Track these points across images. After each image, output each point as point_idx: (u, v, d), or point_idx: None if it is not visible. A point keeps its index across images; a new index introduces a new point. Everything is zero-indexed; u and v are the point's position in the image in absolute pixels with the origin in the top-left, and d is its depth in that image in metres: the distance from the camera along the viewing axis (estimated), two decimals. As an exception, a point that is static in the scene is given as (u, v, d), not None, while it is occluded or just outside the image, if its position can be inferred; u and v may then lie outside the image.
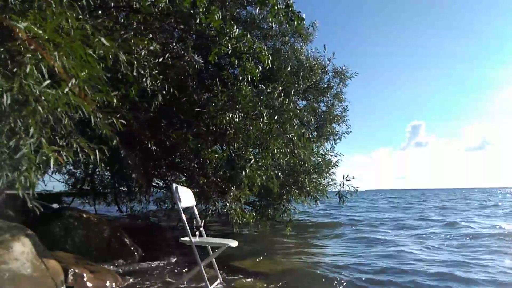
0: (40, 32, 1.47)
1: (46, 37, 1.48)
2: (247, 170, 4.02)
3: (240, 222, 4.31)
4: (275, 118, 4.12)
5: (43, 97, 1.46)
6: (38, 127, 1.47)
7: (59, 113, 1.56)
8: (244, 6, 5.37)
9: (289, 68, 5.04)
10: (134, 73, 2.48)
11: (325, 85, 6.51)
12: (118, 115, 1.92)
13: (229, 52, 3.23)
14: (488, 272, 3.90)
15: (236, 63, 3.70)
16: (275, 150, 4.11)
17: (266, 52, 3.24)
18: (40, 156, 1.42)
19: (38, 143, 1.46)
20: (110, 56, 1.87)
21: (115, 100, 1.90)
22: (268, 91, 4.27)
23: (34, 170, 1.41)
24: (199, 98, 4.22)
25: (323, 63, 6.23)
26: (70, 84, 1.52)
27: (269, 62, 3.24)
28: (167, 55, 3.33)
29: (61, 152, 1.56)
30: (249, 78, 3.71)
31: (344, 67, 6.50)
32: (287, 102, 4.33)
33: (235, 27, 3.07)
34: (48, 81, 1.49)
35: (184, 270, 3.62)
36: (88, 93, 1.65)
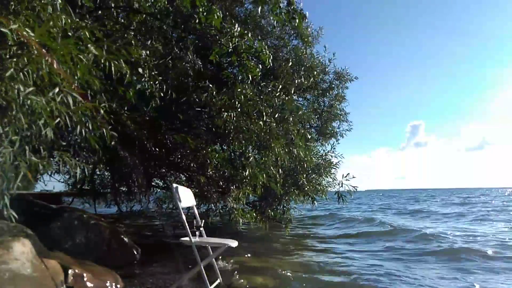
0: (32, 34, 1.42)
1: (37, 40, 1.43)
2: (248, 170, 4.01)
3: (241, 222, 4.29)
4: (275, 116, 4.10)
5: (26, 104, 1.40)
6: (20, 136, 1.41)
7: (41, 122, 1.50)
8: (242, 3, 5.35)
9: (290, 63, 5.02)
10: (133, 75, 2.44)
11: (327, 86, 6.51)
12: (110, 127, 1.86)
13: (230, 51, 3.21)
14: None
15: (237, 62, 3.67)
16: (276, 149, 4.09)
17: (267, 51, 3.23)
18: (11, 168, 1.37)
19: (21, 152, 1.40)
20: (103, 63, 1.81)
21: (102, 111, 1.81)
22: (269, 89, 4.25)
23: (5, 181, 1.36)
24: (198, 98, 4.21)
25: (324, 64, 6.22)
26: (57, 90, 1.47)
27: (270, 61, 3.22)
28: (169, 57, 3.32)
29: (40, 165, 1.49)
30: (249, 77, 3.70)
31: (345, 69, 6.52)
32: (287, 99, 4.31)
33: (236, 25, 3.06)
34: (32, 88, 1.42)
35: (182, 271, 3.60)
36: (86, 94, 1.60)
